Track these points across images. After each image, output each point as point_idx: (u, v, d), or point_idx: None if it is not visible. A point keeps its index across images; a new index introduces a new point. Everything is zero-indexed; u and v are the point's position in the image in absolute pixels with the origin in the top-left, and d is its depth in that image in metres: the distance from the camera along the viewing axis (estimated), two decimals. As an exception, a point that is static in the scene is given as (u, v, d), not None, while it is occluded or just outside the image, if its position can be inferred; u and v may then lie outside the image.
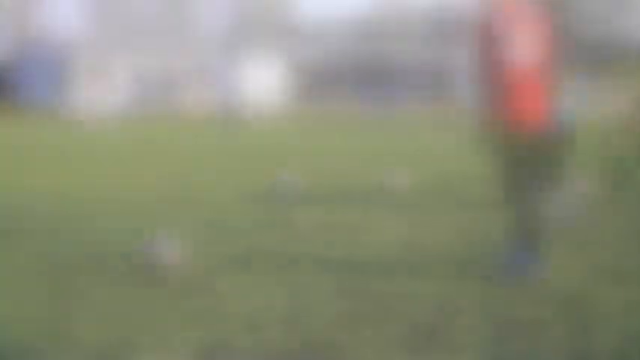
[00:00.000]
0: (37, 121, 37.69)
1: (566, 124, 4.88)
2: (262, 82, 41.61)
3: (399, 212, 7.49)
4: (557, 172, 4.84)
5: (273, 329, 3.89)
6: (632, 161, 12.72)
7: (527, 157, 4.70)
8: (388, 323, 3.98)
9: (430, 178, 10.23)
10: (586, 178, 9.95)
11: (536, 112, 4.67)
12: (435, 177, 10.43)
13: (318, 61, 61.12)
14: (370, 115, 33.89)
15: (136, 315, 4.15)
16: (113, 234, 6.41)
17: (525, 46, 4.62)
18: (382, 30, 60.84)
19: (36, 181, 10.36)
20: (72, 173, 11.43)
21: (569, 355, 3.53)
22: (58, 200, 8.41)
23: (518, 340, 3.71)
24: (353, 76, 60.03)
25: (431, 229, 6.62)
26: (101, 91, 43.16)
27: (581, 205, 7.16)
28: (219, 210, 7.69)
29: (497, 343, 3.67)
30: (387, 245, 5.93)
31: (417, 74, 57.73)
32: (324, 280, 4.85)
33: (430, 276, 4.95)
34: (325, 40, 62.06)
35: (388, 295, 4.51)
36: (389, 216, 7.27)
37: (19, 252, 5.67)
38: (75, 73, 46.41)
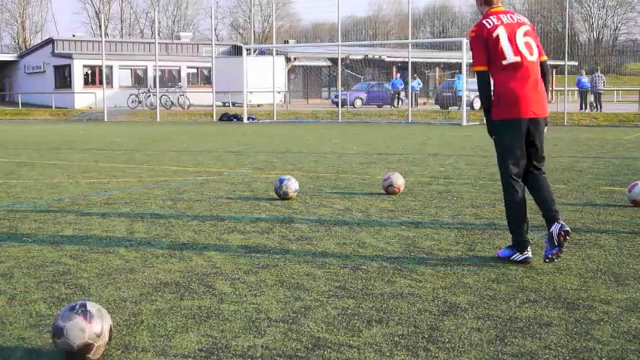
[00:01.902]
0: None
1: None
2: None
3: (399, 211, 7.49)
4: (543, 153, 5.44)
5: (273, 329, 3.89)
6: None
7: (532, 139, 5.28)
8: (388, 323, 3.98)
9: (430, 177, 10.23)
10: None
11: (539, 100, 5.27)
12: (436, 175, 10.43)
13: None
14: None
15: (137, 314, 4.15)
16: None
17: (525, 45, 5.27)
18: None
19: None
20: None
21: (569, 355, 3.53)
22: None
23: (518, 340, 3.71)
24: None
25: (431, 228, 6.62)
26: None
27: None
28: (219, 208, 7.69)
29: (498, 343, 3.67)
30: (387, 245, 5.92)
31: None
32: (324, 280, 4.85)
33: (430, 276, 4.95)
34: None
35: (388, 295, 4.51)
36: (389, 215, 7.27)
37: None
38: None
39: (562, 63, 33.17)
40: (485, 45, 5.22)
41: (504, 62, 5.20)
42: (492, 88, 5.30)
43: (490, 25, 5.26)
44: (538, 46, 5.34)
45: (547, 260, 5.16)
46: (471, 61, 5.50)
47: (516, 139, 5.22)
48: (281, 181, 8.42)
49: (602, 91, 33.95)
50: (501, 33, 5.22)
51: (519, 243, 5.28)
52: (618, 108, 35.09)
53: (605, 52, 77.86)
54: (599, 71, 35.20)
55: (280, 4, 76.04)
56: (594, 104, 33.40)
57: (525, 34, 5.28)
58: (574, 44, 61.94)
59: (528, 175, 5.33)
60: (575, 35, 70.22)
